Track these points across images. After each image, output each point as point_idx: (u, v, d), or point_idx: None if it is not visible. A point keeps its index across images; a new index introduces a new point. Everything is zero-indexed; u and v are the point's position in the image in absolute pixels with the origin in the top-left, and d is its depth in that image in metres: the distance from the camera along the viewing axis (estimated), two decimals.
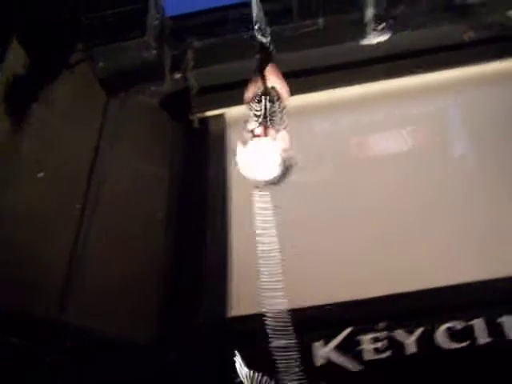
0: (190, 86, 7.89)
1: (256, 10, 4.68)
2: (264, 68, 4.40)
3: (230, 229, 7.06)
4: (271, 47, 4.60)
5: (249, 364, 5.27)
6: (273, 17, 7.30)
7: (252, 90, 4.33)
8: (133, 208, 6.94)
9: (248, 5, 5.14)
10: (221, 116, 8.14)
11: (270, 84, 4.34)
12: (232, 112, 7.88)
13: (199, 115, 8.05)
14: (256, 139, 4.03)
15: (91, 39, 5.81)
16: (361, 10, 7.23)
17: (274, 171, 4.09)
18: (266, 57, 4.50)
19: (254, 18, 4.67)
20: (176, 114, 8.04)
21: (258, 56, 4.50)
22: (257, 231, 4.10)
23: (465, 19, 7.52)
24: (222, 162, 7.57)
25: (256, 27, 4.62)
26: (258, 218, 4.16)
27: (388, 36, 7.36)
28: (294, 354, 4.23)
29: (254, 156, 3.99)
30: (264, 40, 4.60)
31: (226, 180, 7.48)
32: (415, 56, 7.78)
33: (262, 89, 4.27)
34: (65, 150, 6.39)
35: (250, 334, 6.05)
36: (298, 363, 4.26)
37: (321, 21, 7.31)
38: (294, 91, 7.67)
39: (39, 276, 5.58)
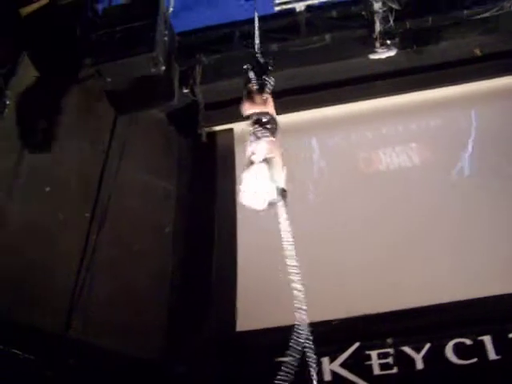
0: (198, 101, 7.94)
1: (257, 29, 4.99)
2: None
3: (237, 244, 7.06)
4: (269, 64, 4.73)
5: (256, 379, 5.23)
6: (280, 32, 7.49)
7: (250, 107, 4.42)
8: (141, 223, 6.94)
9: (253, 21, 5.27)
10: (229, 131, 8.17)
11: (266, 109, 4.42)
12: (240, 127, 7.88)
13: (207, 129, 8.11)
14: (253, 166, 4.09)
15: (100, 55, 5.83)
16: (368, 26, 7.22)
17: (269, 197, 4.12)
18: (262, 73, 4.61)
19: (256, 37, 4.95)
20: (184, 129, 8.09)
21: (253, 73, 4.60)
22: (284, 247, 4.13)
23: (474, 33, 7.51)
24: (229, 176, 7.54)
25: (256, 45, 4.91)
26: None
27: (396, 51, 7.34)
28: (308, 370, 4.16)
29: (253, 184, 4.05)
30: (260, 58, 4.80)
31: (233, 194, 7.46)
32: (423, 71, 7.80)
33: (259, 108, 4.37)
34: (73, 164, 6.43)
35: (257, 348, 6.05)
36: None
37: (328, 36, 7.33)
38: (301, 106, 7.82)
39: (47, 290, 5.58)
